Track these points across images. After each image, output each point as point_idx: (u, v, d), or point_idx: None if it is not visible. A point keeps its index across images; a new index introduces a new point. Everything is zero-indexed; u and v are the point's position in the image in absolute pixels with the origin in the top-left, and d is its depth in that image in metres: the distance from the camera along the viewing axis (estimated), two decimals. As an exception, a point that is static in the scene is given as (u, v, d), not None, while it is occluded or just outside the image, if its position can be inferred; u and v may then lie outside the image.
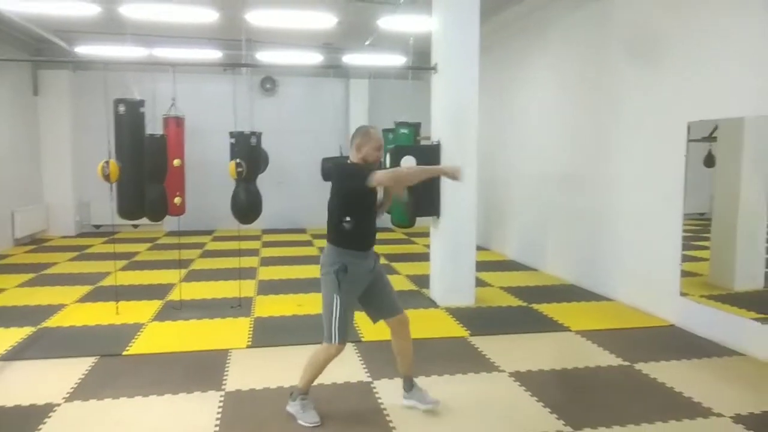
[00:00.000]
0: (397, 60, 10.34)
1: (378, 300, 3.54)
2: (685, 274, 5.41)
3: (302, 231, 11.97)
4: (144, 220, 7.50)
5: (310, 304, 6.12)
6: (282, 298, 6.39)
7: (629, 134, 6.11)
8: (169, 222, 10.14)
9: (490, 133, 8.92)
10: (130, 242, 10.24)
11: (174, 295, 6.40)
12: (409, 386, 3.69)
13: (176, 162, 6.63)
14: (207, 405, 3.70)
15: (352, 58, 10.74)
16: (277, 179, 11.39)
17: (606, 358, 4.54)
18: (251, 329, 5.25)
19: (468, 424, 3.43)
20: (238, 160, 6.12)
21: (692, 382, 4.05)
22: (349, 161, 3.45)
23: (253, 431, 3.37)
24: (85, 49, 9.87)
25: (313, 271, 7.85)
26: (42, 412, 3.58)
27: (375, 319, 3.62)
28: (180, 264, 7.78)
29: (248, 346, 4.82)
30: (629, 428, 3.39)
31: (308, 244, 10.37)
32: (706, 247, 5.81)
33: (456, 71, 6.03)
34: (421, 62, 9.54)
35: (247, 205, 8.02)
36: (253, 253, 9.25)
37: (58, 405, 3.67)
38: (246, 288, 6.64)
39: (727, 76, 4.83)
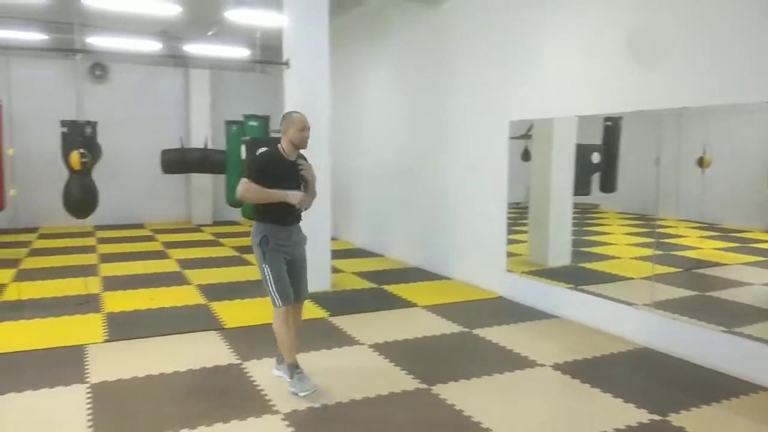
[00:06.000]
0: (241, 52, 10.31)
1: (292, 281, 3.80)
2: (508, 254, 6.25)
3: (140, 226, 11.43)
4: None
5: (163, 297, 6.04)
6: (132, 293, 6.20)
7: (461, 131, 6.86)
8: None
9: (338, 127, 9.32)
10: (-64, 243, 9.08)
11: (8, 295, 5.92)
12: (282, 360, 3.97)
13: (11, 152, 6.09)
14: (74, 397, 3.62)
15: (192, 48, 10.49)
16: (109, 172, 10.75)
17: (449, 327, 5.16)
18: (105, 324, 5.09)
19: (338, 390, 3.76)
20: (82, 150, 5.81)
21: (519, 341, 4.78)
22: (278, 146, 3.76)
23: (129, 416, 3.39)
24: None
25: (161, 266, 7.69)
26: None
27: None
28: (8, 263, 7.16)
29: (105, 341, 4.69)
30: (473, 381, 3.97)
31: (150, 239, 9.98)
32: (523, 231, 6.73)
33: (308, 67, 6.29)
34: (266, 56, 9.66)
35: (82, 199, 7.57)
36: (90, 250, 8.72)
37: None
38: (90, 285, 6.33)
39: (540, 81, 5.69)
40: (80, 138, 7.33)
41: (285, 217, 3.73)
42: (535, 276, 6.15)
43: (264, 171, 3.64)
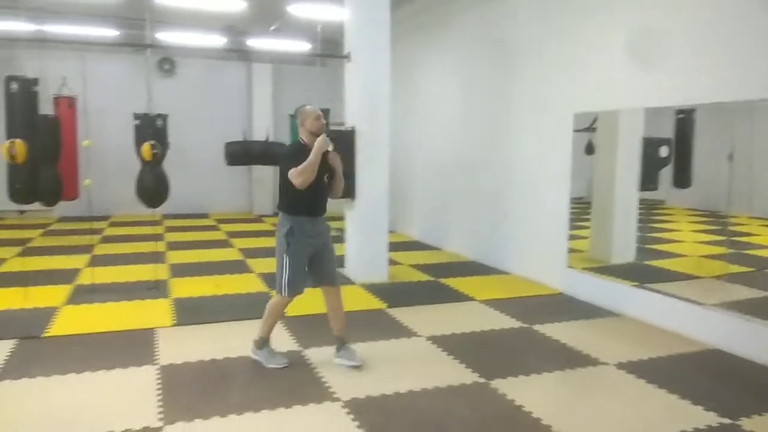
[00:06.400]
0: (302, 46, 10.46)
1: (319, 268, 3.98)
2: (568, 250, 6.11)
3: (204, 216, 11.82)
4: (34, 205, 7.10)
5: (228, 284, 6.23)
6: (198, 280, 6.43)
7: (523, 124, 6.75)
8: (59, 207, 9.64)
9: (396, 120, 9.34)
10: (19, 228, 9.66)
11: (82, 279, 6.25)
12: (339, 346, 4.09)
13: (86, 143, 6.40)
14: (145, 377, 3.79)
15: (255, 43, 10.72)
16: (175, 163, 11.11)
17: (508, 322, 5.11)
18: (173, 309, 5.30)
19: (396, 379, 3.79)
20: (153, 142, 6.06)
21: (581, 338, 4.68)
22: (299, 139, 3.92)
23: (196, 398, 3.52)
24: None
25: (224, 254, 7.94)
26: (-31, 393, 3.52)
27: (315, 284, 4.08)
28: (82, 249, 7.53)
29: (174, 325, 4.89)
30: (532, 377, 3.93)
31: (214, 228, 10.30)
32: (585, 227, 6.57)
33: (369, 60, 6.34)
34: (327, 49, 9.78)
35: (154, 189, 7.88)
36: (157, 238, 9.05)
37: (-14, 386, 3.62)
38: (158, 271, 6.60)
39: (606, 72, 5.53)
40: (152, 130, 7.64)
41: (313, 208, 3.91)
42: (597, 273, 6.00)
43: (298, 157, 3.78)
